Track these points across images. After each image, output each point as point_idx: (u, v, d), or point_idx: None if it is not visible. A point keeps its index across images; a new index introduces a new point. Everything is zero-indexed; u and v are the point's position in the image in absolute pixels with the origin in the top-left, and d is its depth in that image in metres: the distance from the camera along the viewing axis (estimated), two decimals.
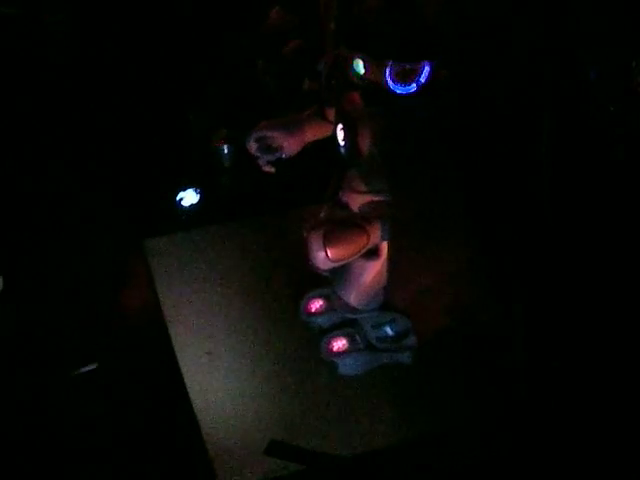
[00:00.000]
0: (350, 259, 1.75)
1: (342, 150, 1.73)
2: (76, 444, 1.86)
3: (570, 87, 1.85)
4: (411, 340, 1.95)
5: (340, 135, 1.72)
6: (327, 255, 1.69)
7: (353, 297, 1.91)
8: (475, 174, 1.67)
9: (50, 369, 2.02)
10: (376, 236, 1.73)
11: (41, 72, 2.65)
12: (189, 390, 1.89)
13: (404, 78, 1.61)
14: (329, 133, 1.80)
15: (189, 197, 2.31)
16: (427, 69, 1.61)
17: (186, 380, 1.91)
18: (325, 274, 1.88)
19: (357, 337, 1.96)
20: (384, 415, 1.86)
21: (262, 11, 2.53)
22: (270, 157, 1.88)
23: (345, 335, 1.96)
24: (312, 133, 1.86)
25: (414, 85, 1.62)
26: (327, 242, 1.69)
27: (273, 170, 1.89)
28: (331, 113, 1.79)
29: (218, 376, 1.92)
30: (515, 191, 1.82)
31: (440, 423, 1.85)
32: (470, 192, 1.64)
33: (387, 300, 1.94)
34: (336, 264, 1.74)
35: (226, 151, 2.43)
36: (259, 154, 1.88)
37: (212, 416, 1.84)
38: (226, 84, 2.66)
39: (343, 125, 1.71)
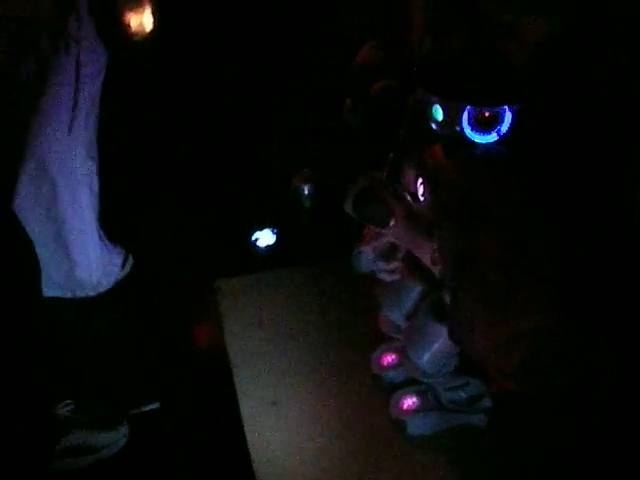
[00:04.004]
0: None
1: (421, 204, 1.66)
2: None
3: None
4: (486, 402, 1.85)
5: (420, 190, 1.65)
6: None
7: (425, 361, 1.77)
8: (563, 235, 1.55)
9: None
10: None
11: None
12: (248, 439, 1.82)
13: (484, 125, 1.50)
14: None
15: (265, 238, 2.27)
16: (509, 116, 1.49)
17: (246, 428, 1.84)
18: (397, 336, 1.81)
19: (429, 395, 1.86)
20: None
21: (354, 46, 2.47)
22: None
23: (416, 393, 1.86)
24: None
25: (494, 134, 1.50)
26: None
27: None
28: (408, 170, 1.72)
29: (280, 428, 1.85)
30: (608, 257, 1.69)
31: None
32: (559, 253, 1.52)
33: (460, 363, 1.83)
34: None
35: (306, 191, 2.38)
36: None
37: (269, 469, 1.76)
38: (311, 120, 2.63)
39: (423, 179, 1.63)
